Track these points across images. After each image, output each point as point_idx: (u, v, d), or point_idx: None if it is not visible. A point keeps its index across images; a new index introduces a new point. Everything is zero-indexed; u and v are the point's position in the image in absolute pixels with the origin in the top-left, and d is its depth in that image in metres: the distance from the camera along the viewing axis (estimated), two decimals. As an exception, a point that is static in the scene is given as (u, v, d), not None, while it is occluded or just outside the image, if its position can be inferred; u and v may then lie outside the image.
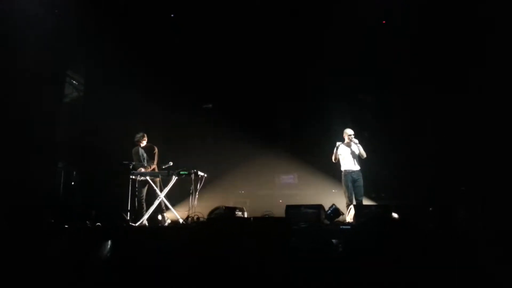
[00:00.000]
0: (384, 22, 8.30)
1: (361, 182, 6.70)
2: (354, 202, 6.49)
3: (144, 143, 7.10)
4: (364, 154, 6.78)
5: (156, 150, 7.09)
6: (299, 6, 7.88)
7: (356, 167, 6.76)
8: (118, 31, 8.09)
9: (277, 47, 8.61)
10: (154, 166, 6.95)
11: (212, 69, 9.09)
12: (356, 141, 6.75)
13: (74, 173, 8.21)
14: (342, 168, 6.83)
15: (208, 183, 7.03)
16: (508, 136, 6.66)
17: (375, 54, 8.35)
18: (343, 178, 6.79)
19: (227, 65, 8.99)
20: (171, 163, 6.74)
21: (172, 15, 8.37)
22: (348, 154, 6.81)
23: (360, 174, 6.75)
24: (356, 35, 8.10)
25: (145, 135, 7.13)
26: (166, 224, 6.53)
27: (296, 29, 8.35)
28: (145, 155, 7.01)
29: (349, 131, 6.84)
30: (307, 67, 8.96)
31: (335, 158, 6.81)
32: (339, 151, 6.82)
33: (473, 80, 7.17)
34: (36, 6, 6.91)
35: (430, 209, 6.49)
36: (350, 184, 6.68)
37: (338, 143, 6.77)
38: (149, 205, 6.58)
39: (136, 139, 7.10)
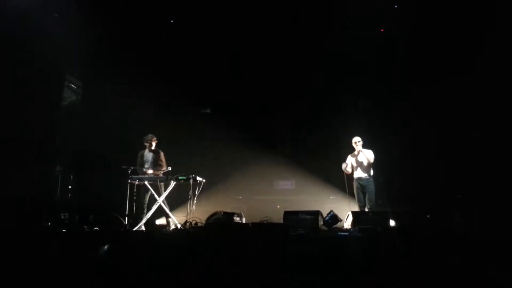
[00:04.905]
0: (382, 30, 8.35)
1: (370, 188, 6.79)
2: (367, 209, 6.60)
3: (153, 145, 6.99)
4: (371, 159, 6.80)
5: (163, 154, 7.00)
6: (299, 9, 7.90)
7: (362, 174, 6.87)
8: (116, 33, 8.09)
9: (277, 51, 8.62)
10: (162, 171, 6.79)
11: (211, 74, 9.08)
12: (360, 148, 6.86)
13: (72, 177, 8.18)
14: (354, 176, 6.98)
15: (206, 189, 7.03)
16: (506, 143, 6.69)
17: (375, 58, 8.36)
18: (353, 185, 6.97)
19: (226, 69, 9.00)
20: (169, 168, 6.73)
21: (171, 21, 8.39)
22: (355, 161, 6.96)
23: (370, 180, 6.84)
24: (356, 39, 8.13)
25: (155, 138, 7.01)
26: (171, 228, 6.48)
27: (295, 34, 8.36)
28: (150, 159, 6.94)
29: (355, 139, 6.95)
30: (307, 72, 8.95)
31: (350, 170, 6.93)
32: (349, 160, 7.00)
33: (473, 83, 7.22)
34: (34, 8, 6.91)
35: (428, 216, 6.50)
36: (359, 192, 6.84)
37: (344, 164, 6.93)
38: (148, 210, 6.55)
39: (144, 140, 6.95)
